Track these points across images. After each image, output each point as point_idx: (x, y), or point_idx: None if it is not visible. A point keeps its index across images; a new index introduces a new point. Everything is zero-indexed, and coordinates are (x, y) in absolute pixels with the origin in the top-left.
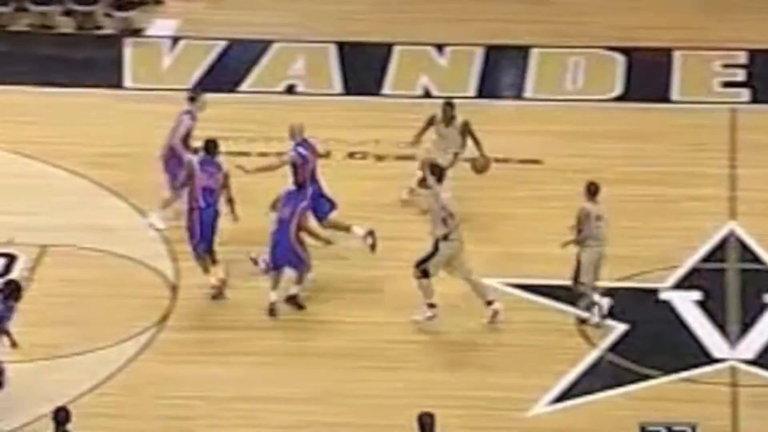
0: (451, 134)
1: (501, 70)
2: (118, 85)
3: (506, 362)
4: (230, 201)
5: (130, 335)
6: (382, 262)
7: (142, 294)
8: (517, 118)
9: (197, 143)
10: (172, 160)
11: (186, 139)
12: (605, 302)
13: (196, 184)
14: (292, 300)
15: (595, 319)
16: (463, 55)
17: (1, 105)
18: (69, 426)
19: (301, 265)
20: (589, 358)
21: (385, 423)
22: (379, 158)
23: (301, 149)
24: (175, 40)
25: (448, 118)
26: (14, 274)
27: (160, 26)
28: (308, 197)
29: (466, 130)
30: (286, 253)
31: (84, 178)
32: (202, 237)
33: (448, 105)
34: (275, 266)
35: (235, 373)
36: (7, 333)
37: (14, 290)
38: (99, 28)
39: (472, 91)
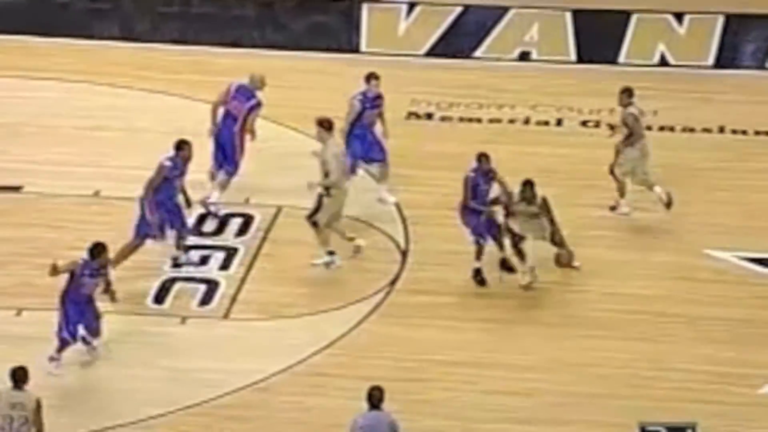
0: None
1: (742, 39)
2: (354, 49)
3: (737, 337)
4: None
5: (361, 297)
6: (606, 232)
7: (374, 257)
8: (758, 88)
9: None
10: None
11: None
12: None
13: None
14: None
15: None
16: (703, 23)
17: (246, 69)
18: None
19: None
20: None
21: (608, 393)
22: (612, 127)
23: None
24: (412, 5)
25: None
26: (249, 234)
27: None
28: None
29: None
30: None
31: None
32: None
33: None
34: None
35: (462, 338)
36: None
37: (100, 251)
38: None
39: (710, 60)
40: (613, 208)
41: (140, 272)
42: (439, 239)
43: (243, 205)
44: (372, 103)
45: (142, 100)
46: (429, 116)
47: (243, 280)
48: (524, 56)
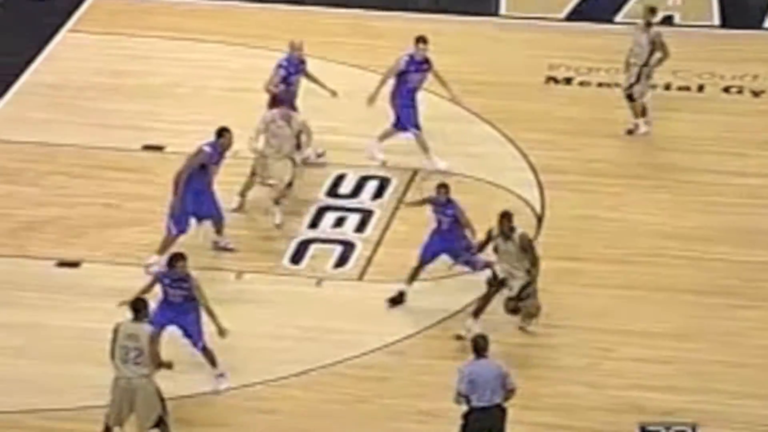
0: None
1: None
2: (494, 12)
3: None
4: None
5: (496, 261)
6: (743, 200)
7: None
8: None
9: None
10: None
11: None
12: None
13: None
14: None
15: None
16: None
17: (385, 31)
18: None
19: None
20: None
21: (748, 362)
22: (756, 94)
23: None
24: None
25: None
26: (385, 198)
27: None
28: None
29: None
30: None
31: (457, 104)
32: None
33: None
34: None
35: (598, 304)
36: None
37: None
38: None
39: None
40: (630, 132)
41: (276, 233)
42: (575, 205)
43: (380, 167)
44: (417, 66)
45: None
46: (568, 81)
47: (378, 243)
48: (667, 20)
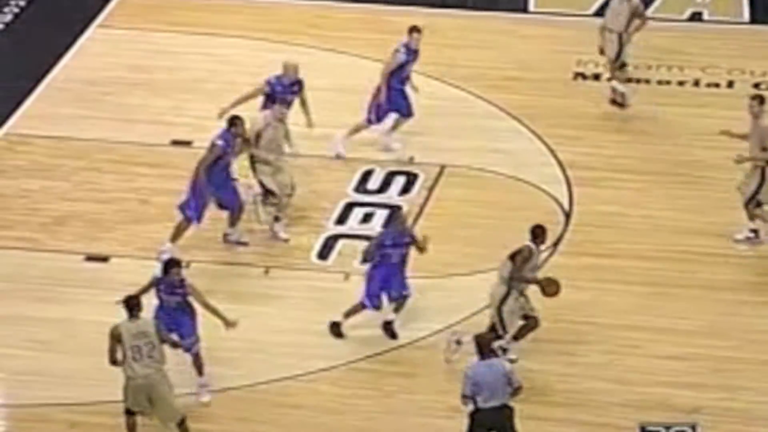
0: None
1: None
2: (523, 8)
3: None
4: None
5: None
6: None
7: (536, 218)
8: None
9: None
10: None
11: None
12: None
13: None
14: None
15: None
16: None
17: (407, 27)
18: None
19: None
20: None
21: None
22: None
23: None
24: None
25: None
26: (413, 193)
27: None
28: None
29: None
30: None
31: (485, 100)
32: None
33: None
34: None
35: (624, 301)
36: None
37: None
38: None
39: None
40: (615, 102)
41: (304, 228)
42: (603, 201)
43: (407, 163)
44: (415, 55)
45: (315, 58)
46: (596, 77)
47: None
48: (696, 16)
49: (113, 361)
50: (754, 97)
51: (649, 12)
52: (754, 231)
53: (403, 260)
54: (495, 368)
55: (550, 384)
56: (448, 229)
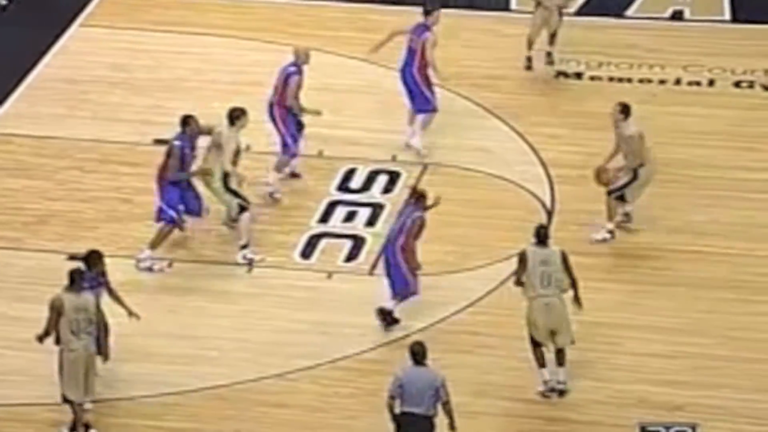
0: None
1: None
2: (505, 7)
3: None
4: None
5: (507, 256)
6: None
7: (519, 216)
8: None
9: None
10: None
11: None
12: None
13: None
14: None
15: None
16: None
17: (389, 25)
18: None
19: None
20: None
21: (756, 357)
22: (767, 88)
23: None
24: None
25: None
26: (396, 192)
27: None
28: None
29: None
30: None
31: (467, 99)
32: None
33: None
34: None
35: (606, 298)
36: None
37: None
38: None
39: None
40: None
41: (287, 227)
42: (584, 199)
43: (390, 162)
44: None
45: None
46: (578, 76)
47: None
48: (677, 15)
49: (47, 333)
50: (620, 105)
51: (631, 11)
52: (611, 232)
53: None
54: (426, 377)
55: (533, 381)
56: (431, 227)
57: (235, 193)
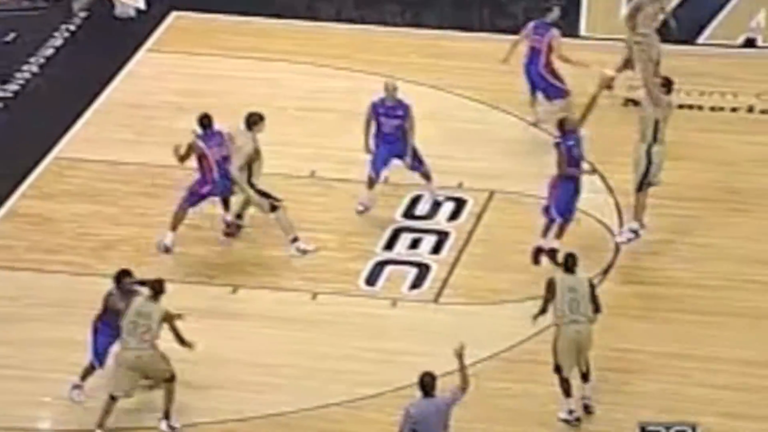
0: None
1: None
2: (573, 33)
3: None
4: None
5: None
6: None
7: (586, 245)
8: None
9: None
10: None
11: None
12: None
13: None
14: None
15: None
16: None
17: (458, 52)
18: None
19: None
20: None
21: None
22: None
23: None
24: None
25: None
26: (462, 219)
27: None
28: None
29: None
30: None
31: (535, 126)
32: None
33: None
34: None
35: (677, 329)
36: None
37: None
38: None
39: None
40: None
41: (352, 254)
42: (654, 228)
43: (456, 189)
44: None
45: (363, 83)
46: None
47: (454, 265)
48: (749, 43)
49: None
50: (663, 78)
51: (703, 38)
52: (635, 231)
53: None
54: (438, 409)
55: (600, 413)
56: (497, 255)
57: (265, 194)
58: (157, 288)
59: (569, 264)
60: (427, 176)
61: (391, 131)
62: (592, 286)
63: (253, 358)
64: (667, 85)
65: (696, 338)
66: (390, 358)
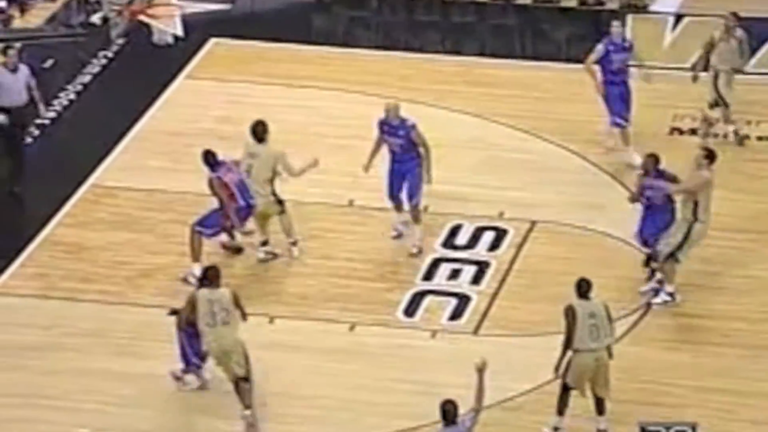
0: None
1: None
2: None
3: None
4: None
5: (617, 317)
6: None
7: (628, 275)
8: None
9: None
10: None
11: None
12: None
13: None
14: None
15: None
16: None
17: (499, 79)
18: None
19: None
20: None
21: None
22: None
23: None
24: (679, 17)
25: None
26: (502, 249)
27: (664, 2)
28: None
29: None
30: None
31: (578, 155)
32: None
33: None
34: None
35: (722, 364)
36: None
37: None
38: (601, 3)
39: None
40: None
41: (391, 284)
42: (701, 260)
43: (497, 219)
44: (616, 47)
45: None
46: (693, 132)
47: (494, 296)
48: None
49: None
50: (705, 149)
51: (750, 66)
52: (671, 294)
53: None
54: None
55: None
56: (537, 286)
57: (281, 202)
58: (212, 276)
59: (583, 290)
60: (416, 218)
61: (395, 149)
62: (608, 310)
63: (290, 389)
64: (710, 156)
65: (740, 372)
66: (428, 390)
